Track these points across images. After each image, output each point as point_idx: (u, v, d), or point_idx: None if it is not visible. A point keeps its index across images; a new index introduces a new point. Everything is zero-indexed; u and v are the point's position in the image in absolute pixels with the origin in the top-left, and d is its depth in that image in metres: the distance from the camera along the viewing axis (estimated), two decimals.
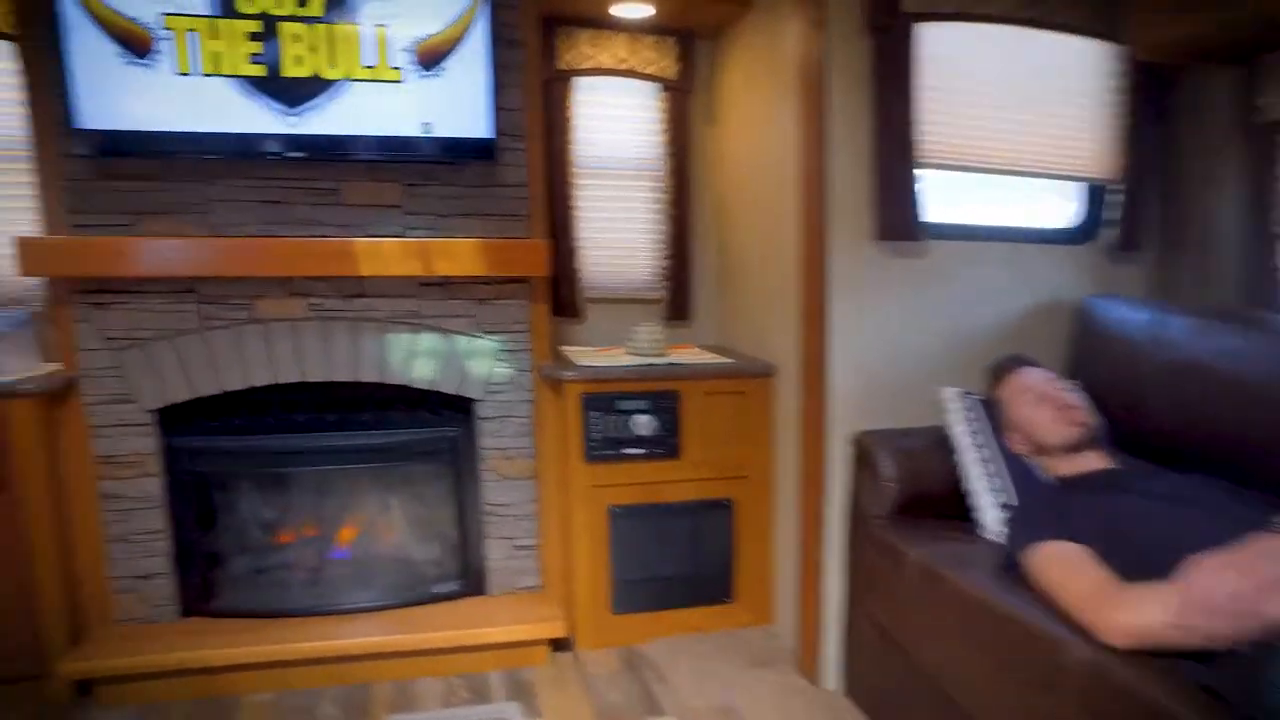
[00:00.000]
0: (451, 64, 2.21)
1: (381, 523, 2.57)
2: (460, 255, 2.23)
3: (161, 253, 2.12)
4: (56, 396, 2.18)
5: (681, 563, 2.45)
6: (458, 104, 2.23)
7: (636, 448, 2.37)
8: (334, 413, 2.38)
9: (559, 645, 2.40)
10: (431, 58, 2.20)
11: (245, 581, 2.44)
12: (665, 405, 2.37)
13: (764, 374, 2.43)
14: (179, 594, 2.34)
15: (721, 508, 2.46)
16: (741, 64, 2.64)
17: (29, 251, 2.07)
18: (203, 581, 2.37)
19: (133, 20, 2.06)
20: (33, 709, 2.15)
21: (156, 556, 2.30)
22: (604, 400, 2.34)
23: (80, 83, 2.06)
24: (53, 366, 2.28)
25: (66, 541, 2.22)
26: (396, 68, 2.19)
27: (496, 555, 2.47)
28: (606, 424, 2.34)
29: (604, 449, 2.35)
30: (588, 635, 2.41)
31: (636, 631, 2.44)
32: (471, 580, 2.49)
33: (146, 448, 2.25)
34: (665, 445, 2.39)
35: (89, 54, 2.05)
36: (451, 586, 2.47)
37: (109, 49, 2.06)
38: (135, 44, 2.07)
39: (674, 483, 2.41)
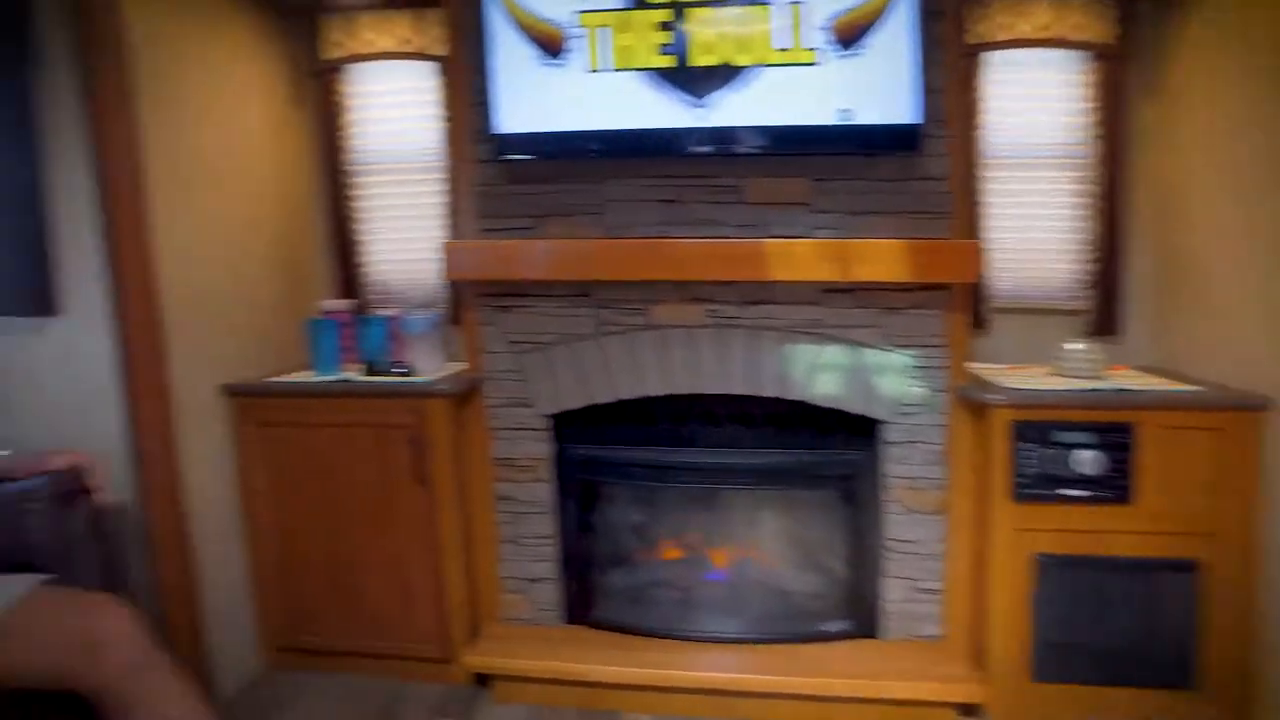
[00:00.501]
0: (873, 40, 1.95)
1: (765, 548, 2.40)
2: (881, 258, 1.97)
3: (564, 256, 2.09)
4: (464, 397, 2.23)
5: (1125, 631, 2.00)
6: (878, 86, 1.96)
7: (1077, 488, 1.96)
8: (723, 427, 2.23)
9: (967, 709, 2.06)
10: (851, 34, 1.95)
11: (623, 595, 2.37)
12: (1116, 440, 1.94)
13: (1251, 407, 1.91)
14: (562, 600, 2.32)
15: (1182, 570, 1.97)
16: (1217, 15, 2.10)
17: (454, 255, 2.12)
18: (583, 590, 2.34)
19: (548, 21, 2.03)
20: (440, 692, 2.25)
21: (544, 562, 2.30)
22: (1039, 430, 1.96)
23: (500, 89, 2.07)
24: (456, 367, 2.35)
25: (468, 538, 2.27)
26: (811, 49, 1.97)
27: (894, 597, 2.18)
28: (1041, 458, 1.96)
29: (1035, 487, 1.97)
30: (1002, 704, 2.05)
31: (1062, 708, 2.03)
32: (862, 621, 2.22)
33: (540, 452, 2.25)
34: (1113, 488, 1.95)
35: (508, 60, 2.06)
36: (840, 626, 2.22)
37: (526, 52, 2.05)
38: (550, 45, 2.04)
39: (1120, 533, 1.97)
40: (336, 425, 2.21)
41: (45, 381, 1.92)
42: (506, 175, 2.18)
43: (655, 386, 2.16)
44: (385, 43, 2.48)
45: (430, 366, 2.28)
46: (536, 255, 2.09)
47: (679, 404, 2.22)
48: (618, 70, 2.03)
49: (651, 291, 2.14)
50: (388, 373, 2.25)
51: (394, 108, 2.55)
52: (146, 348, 1.96)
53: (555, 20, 2.02)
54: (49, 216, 1.84)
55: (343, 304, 2.42)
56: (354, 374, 2.28)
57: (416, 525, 2.21)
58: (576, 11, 2.01)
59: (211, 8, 2.24)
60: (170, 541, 2.02)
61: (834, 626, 2.23)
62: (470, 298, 2.24)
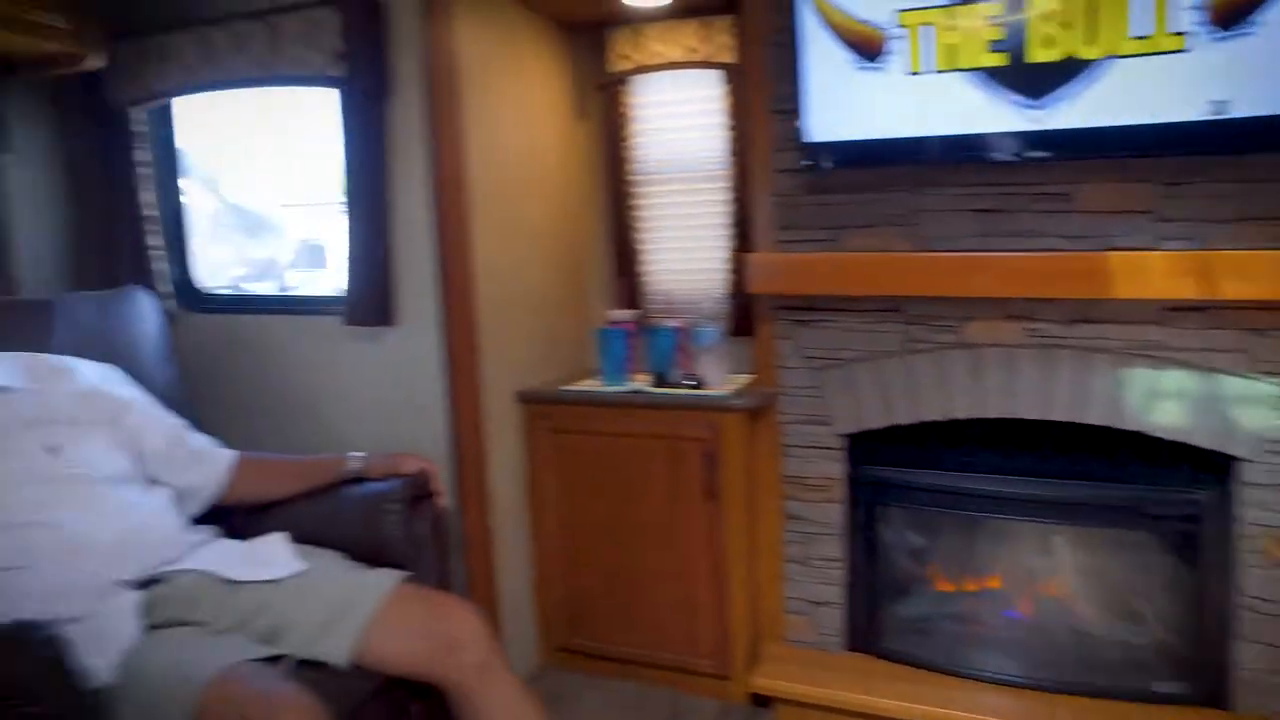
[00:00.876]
0: (1265, 16, 1.67)
1: (1077, 590, 2.17)
2: (1260, 272, 1.70)
3: (875, 269, 1.98)
4: (757, 412, 2.19)
5: None
6: (1266, 71, 1.69)
7: None
8: (1033, 456, 2.03)
9: None
10: (1234, 11, 1.69)
11: (912, 626, 2.23)
12: None
13: None
14: (846, 626, 2.22)
15: None
16: None
17: (756, 268, 2.08)
18: (870, 617, 2.22)
19: (865, 22, 1.92)
20: (718, 708, 2.23)
21: (831, 585, 2.21)
22: None
23: (810, 95, 1.99)
24: (741, 379, 2.31)
25: (753, 557, 2.23)
26: (1179, 33, 1.73)
27: (1251, 662, 1.89)
28: None
29: None
30: None
31: None
32: (1202, 686, 1.95)
33: (834, 473, 2.16)
34: None
35: (820, 64, 1.97)
36: (1173, 687, 1.96)
37: (840, 56, 1.95)
38: (867, 47, 1.93)
39: None
40: (627, 435, 2.24)
41: (380, 387, 2.08)
42: (805, 185, 2.10)
43: (965, 408, 2.01)
44: (672, 53, 2.47)
45: (717, 379, 2.25)
46: (845, 269, 2.00)
47: (984, 427, 2.06)
48: (941, 72, 1.88)
49: (965, 308, 1.99)
50: (678, 385, 2.25)
51: (677, 117, 2.55)
52: (466, 355, 2.07)
53: (873, 21, 1.91)
54: (391, 230, 1.98)
55: (629, 314, 2.45)
56: (642, 384, 2.30)
57: (703, 539, 2.20)
58: (896, 10, 1.89)
59: (516, 30, 2.33)
60: (478, 544, 2.13)
61: (1165, 687, 1.98)
62: (766, 311, 2.18)
